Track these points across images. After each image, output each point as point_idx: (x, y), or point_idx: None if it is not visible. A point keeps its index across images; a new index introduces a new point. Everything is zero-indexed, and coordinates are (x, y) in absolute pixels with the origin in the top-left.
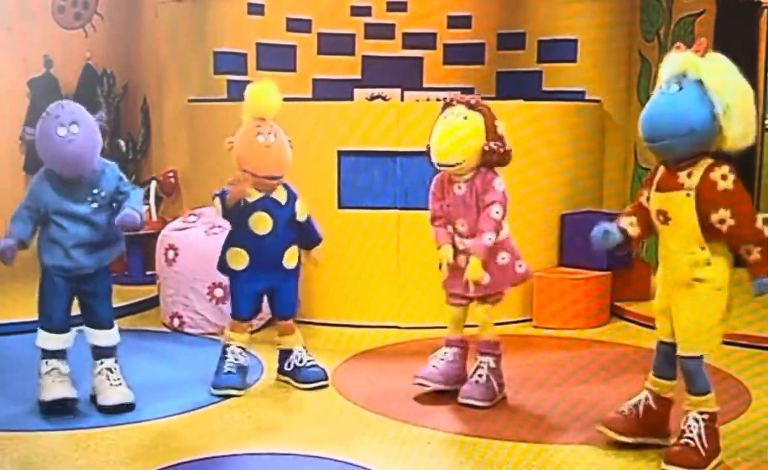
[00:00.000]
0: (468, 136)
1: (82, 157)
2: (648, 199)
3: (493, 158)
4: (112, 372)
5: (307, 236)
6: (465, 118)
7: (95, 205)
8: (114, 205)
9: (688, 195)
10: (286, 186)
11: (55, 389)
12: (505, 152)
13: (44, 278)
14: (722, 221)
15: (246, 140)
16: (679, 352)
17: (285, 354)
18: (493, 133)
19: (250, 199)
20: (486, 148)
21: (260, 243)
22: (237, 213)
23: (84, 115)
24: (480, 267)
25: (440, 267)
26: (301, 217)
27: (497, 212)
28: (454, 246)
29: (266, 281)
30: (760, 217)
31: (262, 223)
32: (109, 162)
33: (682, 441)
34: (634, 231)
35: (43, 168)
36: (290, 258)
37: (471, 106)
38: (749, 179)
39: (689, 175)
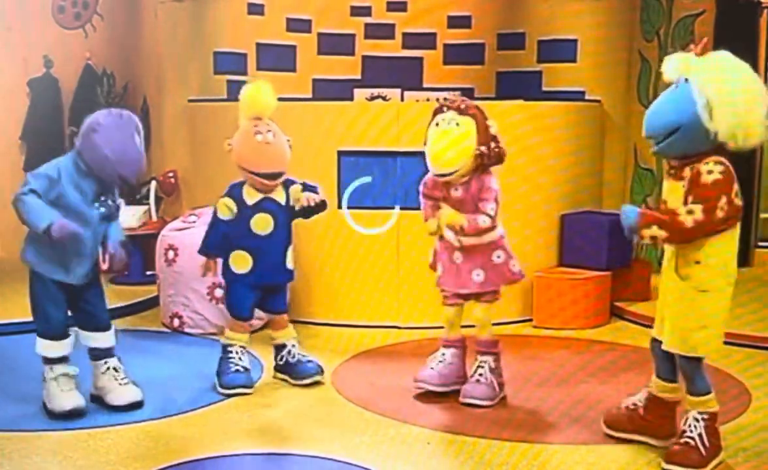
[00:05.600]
0: (460, 143)
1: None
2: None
3: (487, 160)
4: (117, 371)
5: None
6: (457, 124)
7: (104, 211)
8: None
9: (683, 186)
10: (283, 183)
11: (64, 399)
12: (499, 151)
13: (36, 282)
14: (690, 212)
15: (244, 140)
16: (663, 347)
17: (279, 349)
18: (485, 135)
19: (250, 202)
20: (477, 152)
21: (263, 244)
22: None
23: None
24: (457, 219)
25: (431, 266)
26: (297, 204)
27: (491, 208)
28: (448, 244)
29: (268, 282)
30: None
31: (263, 224)
32: None
33: (683, 440)
34: None
35: (69, 160)
36: (290, 259)
37: (461, 111)
38: (749, 179)
39: (691, 169)
